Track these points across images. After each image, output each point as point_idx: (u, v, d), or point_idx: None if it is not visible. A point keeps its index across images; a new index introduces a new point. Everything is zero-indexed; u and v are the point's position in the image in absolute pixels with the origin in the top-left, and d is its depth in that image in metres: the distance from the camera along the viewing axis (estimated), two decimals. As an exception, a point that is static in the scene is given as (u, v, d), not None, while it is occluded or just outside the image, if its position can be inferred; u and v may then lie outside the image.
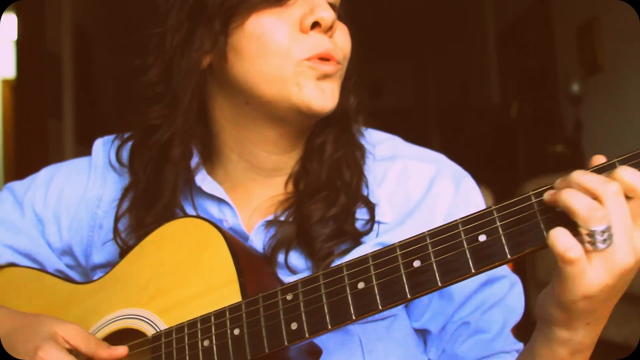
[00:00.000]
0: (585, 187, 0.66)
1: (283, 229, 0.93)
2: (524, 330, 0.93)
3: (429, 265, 0.73)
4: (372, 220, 0.94)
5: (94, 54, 5.99)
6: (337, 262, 0.91)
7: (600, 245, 0.65)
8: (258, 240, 0.95)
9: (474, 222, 0.72)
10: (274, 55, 0.88)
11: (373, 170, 1.00)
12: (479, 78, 6.98)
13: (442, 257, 0.72)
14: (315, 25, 0.89)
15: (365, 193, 0.97)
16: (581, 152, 4.61)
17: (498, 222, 0.71)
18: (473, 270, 0.71)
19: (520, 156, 5.23)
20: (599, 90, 4.51)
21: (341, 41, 0.94)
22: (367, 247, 0.92)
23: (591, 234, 0.65)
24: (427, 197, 0.97)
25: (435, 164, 1.00)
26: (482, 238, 0.71)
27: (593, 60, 4.53)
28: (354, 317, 0.75)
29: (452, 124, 7.50)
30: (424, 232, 0.74)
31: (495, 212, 0.71)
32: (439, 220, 0.94)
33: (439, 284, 0.72)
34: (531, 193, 0.70)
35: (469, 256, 0.71)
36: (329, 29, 0.90)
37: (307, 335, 0.76)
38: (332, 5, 0.95)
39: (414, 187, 0.98)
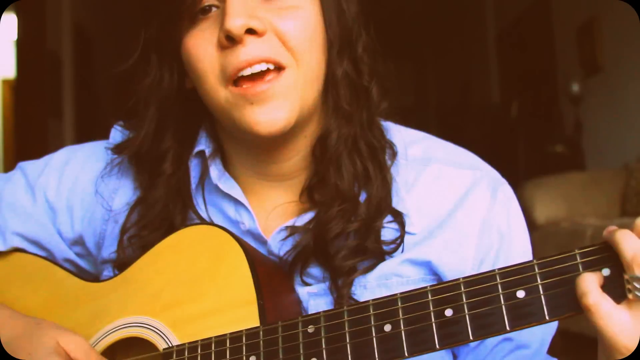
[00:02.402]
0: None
1: (302, 241, 0.88)
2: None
3: (461, 317, 0.68)
4: (401, 237, 0.88)
5: (94, 54, 5.99)
6: (361, 279, 0.87)
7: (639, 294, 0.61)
8: (276, 246, 0.91)
9: (513, 276, 0.68)
10: (205, 82, 0.85)
11: (403, 172, 0.92)
12: (479, 78, 6.98)
13: (476, 310, 0.68)
14: (230, 38, 0.81)
15: (392, 201, 0.90)
16: (581, 152, 4.62)
17: (539, 280, 0.67)
18: (508, 328, 0.67)
19: (520, 156, 5.23)
20: (599, 90, 4.51)
21: (284, 33, 0.83)
22: (394, 262, 0.88)
23: (631, 280, 0.62)
24: (460, 208, 0.90)
25: (472, 171, 0.93)
26: (521, 294, 0.67)
27: (593, 60, 4.53)
28: None
29: (452, 124, 7.49)
30: (458, 279, 0.70)
31: (537, 268, 0.67)
32: (473, 232, 0.89)
33: (471, 338, 0.68)
34: (577, 252, 0.67)
35: (505, 313, 0.67)
36: (251, 33, 0.81)
37: None
38: None
39: (447, 196, 0.91)
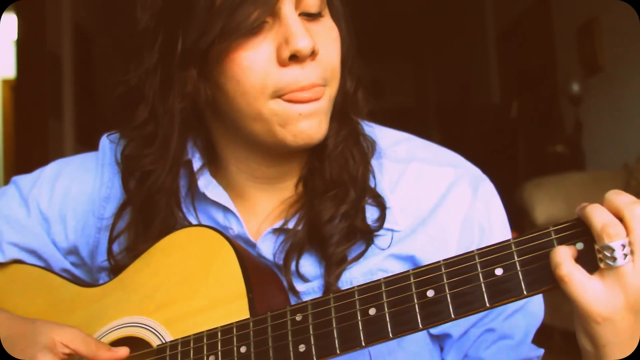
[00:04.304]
0: (612, 204, 0.67)
1: (293, 235, 0.91)
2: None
3: (442, 297, 0.71)
4: (382, 218, 0.91)
5: (94, 54, 5.99)
6: (351, 268, 0.90)
7: (610, 263, 0.64)
8: (267, 248, 0.94)
9: (491, 255, 0.70)
10: (250, 95, 0.84)
11: (387, 172, 0.96)
12: (479, 78, 6.98)
13: (456, 289, 0.71)
14: (293, 56, 0.83)
15: (372, 185, 0.94)
16: (581, 152, 4.62)
17: (516, 257, 0.69)
18: (487, 305, 0.70)
19: (520, 156, 5.24)
20: (599, 90, 4.51)
21: (326, 56, 0.87)
22: (380, 257, 0.91)
23: (601, 249, 0.65)
24: (442, 204, 0.93)
25: (453, 168, 0.96)
26: (499, 272, 0.70)
27: (593, 60, 4.53)
28: (363, 344, 0.73)
29: (452, 124, 7.50)
30: (439, 261, 0.73)
31: (513, 246, 0.70)
32: (455, 227, 0.92)
33: (452, 316, 0.71)
34: (552, 229, 0.69)
35: (484, 290, 0.70)
36: (311, 55, 0.84)
37: (314, 359, 0.76)
38: (308, 12, 0.86)
39: (429, 194, 0.94)
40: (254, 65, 0.84)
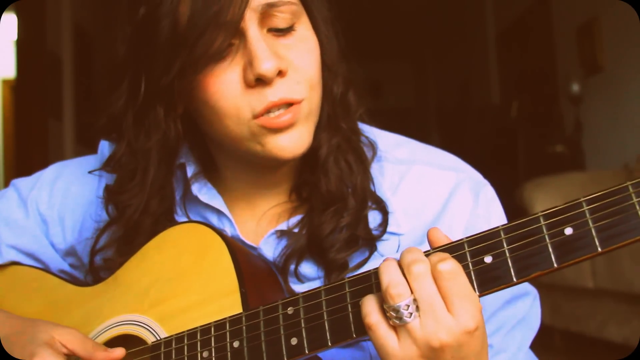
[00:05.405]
0: (401, 262, 0.71)
1: (296, 240, 0.91)
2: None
3: None
4: (385, 223, 0.91)
5: (94, 54, 5.99)
6: (354, 272, 0.89)
7: (397, 321, 0.69)
8: (268, 249, 0.94)
9: (480, 243, 0.71)
10: (226, 118, 0.84)
11: (388, 174, 0.95)
12: (479, 78, 6.98)
13: None
14: (259, 79, 0.82)
15: (372, 189, 0.93)
16: (581, 152, 4.62)
17: (505, 245, 0.70)
18: (477, 293, 0.71)
19: (520, 156, 5.23)
20: (599, 90, 4.51)
21: (301, 69, 0.85)
22: (381, 260, 0.90)
23: (388, 309, 0.69)
24: (445, 211, 0.93)
25: (455, 173, 0.95)
26: (488, 259, 0.71)
27: (593, 60, 4.53)
28: (354, 335, 0.74)
29: (452, 124, 7.50)
30: (428, 251, 0.74)
31: (502, 233, 0.71)
32: (457, 235, 0.91)
33: None
34: (540, 214, 0.70)
35: (474, 278, 0.71)
36: (278, 74, 0.83)
37: (306, 352, 0.76)
38: (277, 28, 0.85)
39: (431, 199, 0.93)
40: (223, 90, 0.83)
